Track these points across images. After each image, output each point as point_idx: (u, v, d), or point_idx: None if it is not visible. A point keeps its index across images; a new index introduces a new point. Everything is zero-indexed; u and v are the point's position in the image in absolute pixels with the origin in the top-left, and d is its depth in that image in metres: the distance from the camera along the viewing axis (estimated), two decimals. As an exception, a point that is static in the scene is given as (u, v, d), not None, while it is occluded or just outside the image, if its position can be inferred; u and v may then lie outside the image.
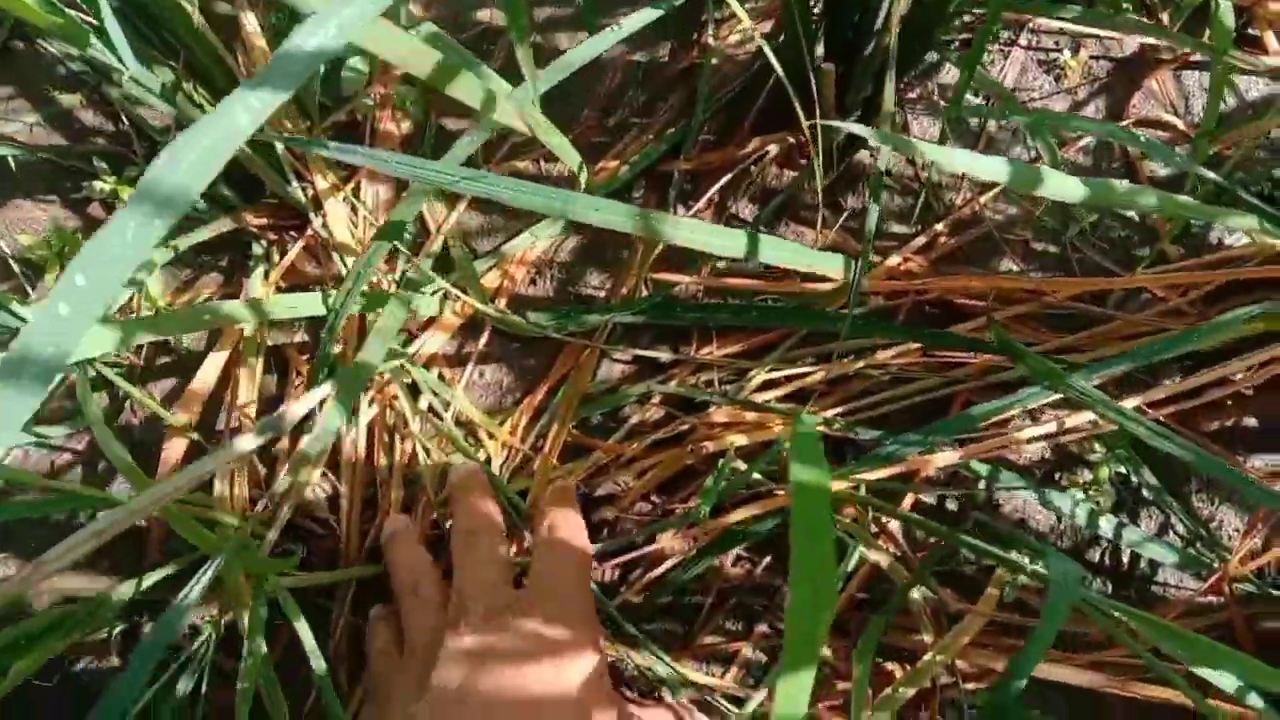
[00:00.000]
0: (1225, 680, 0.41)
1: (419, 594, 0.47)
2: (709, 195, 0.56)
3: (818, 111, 0.42)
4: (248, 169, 0.53)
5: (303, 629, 0.46)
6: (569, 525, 0.48)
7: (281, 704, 0.46)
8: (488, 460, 0.53)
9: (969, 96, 0.57)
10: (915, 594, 0.49)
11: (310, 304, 0.44)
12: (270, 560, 0.46)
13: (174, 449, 0.51)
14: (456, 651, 0.42)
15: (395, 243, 0.56)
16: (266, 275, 0.55)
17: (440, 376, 0.55)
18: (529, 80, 0.34)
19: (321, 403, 0.46)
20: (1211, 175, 0.43)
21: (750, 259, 0.41)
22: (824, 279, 0.53)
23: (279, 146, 0.51)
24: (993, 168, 0.38)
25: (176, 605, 0.45)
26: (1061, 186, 0.39)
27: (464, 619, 0.43)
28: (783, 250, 0.43)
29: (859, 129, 0.37)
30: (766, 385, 0.54)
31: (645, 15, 0.37)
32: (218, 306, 0.40)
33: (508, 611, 0.43)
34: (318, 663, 0.46)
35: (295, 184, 0.53)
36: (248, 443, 0.39)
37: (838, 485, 0.49)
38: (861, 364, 0.52)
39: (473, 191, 0.36)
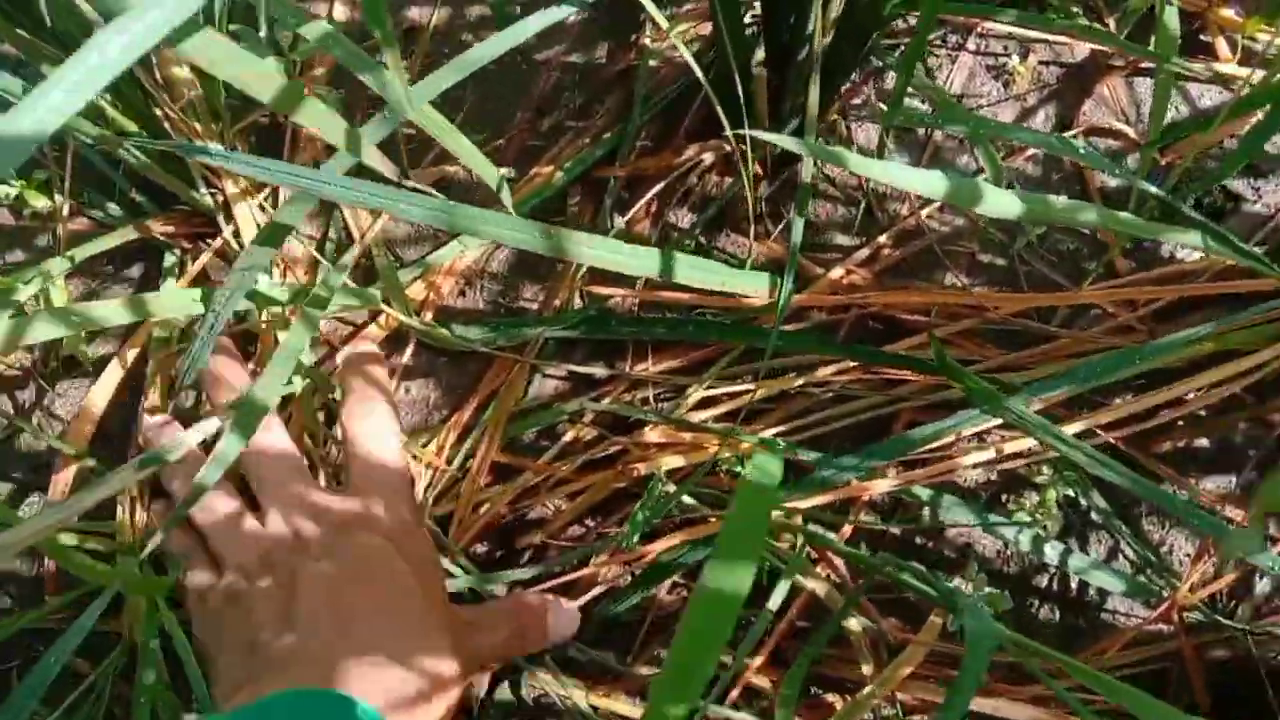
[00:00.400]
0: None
1: (227, 512, 0.45)
2: (645, 203, 0.53)
3: (745, 120, 0.40)
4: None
5: (190, 661, 0.44)
6: (375, 412, 0.48)
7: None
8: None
9: (917, 104, 0.55)
10: (854, 624, 0.47)
11: (186, 305, 0.41)
12: (152, 580, 0.43)
13: (64, 475, 0.48)
14: (316, 576, 0.41)
15: (316, 253, 0.53)
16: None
17: (362, 393, 0.52)
18: (394, 77, 0.31)
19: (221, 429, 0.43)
20: (1154, 190, 0.41)
21: (664, 277, 0.39)
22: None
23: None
24: (924, 181, 0.36)
25: (67, 634, 0.42)
26: (999, 202, 0.37)
27: (311, 543, 0.43)
28: (700, 270, 0.40)
29: (781, 139, 0.34)
30: (704, 403, 0.51)
31: (552, 14, 0.34)
32: (87, 309, 0.37)
33: (348, 528, 0.44)
34: (201, 691, 0.44)
35: (205, 190, 0.50)
36: (127, 477, 0.36)
37: (775, 512, 0.47)
38: (801, 381, 0.50)
39: (354, 202, 0.33)
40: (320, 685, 0.37)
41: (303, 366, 0.47)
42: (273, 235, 0.36)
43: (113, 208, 0.54)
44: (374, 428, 0.48)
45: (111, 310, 0.38)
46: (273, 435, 0.47)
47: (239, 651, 0.41)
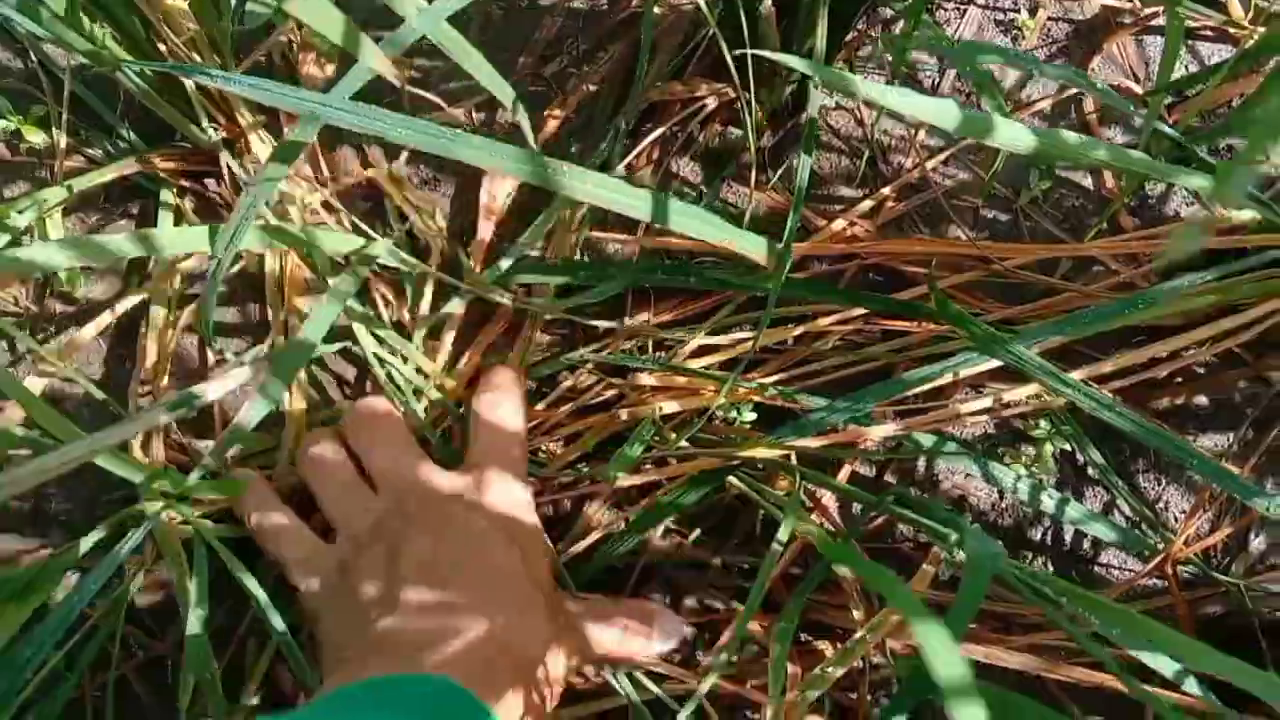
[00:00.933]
0: (1162, 663, 0.40)
1: (342, 480, 0.46)
2: (646, 148, 0.53)
3: (750, 58, 0.40)
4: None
5: (251, 584, 0.44)
6: (506, 400, 0.48)
7: (218, 689, 0.43)
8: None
9: (925, 57, 0.55)
10: (846, 570, 0.47)
11: (195, 240, 0.40)
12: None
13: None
14: (422, 555, 0.41)
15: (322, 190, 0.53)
16: (177, 224, 0.52)
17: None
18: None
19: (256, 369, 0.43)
20: (1169, 130, 0.41)
21: (657, 223, 0.38)
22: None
23: (188, 84, 0.48)
24: (936, 110, 0.36)
25: (99, 568, 0.41)
26: (1010, 134, 0.37)
27: (417, 518, 0.43)
28: (695, 219, 0.39)
29: (789, 59, 0.34)
30: (703, 350, 0.51)
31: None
32: (91, 241, 0.37)
33: (456, 506, 0.44)
34: (276, 621, 0.44)
35: (206, 125, 0.50)
36: (158, 417, 0.36)
37: (770, 454, 0.47)
38: (799, 330, 0.50)
39: (354, 126, 0.33)
40: (416, 670, 0.36)
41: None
42: (288, 151, 0.36)
43: (111, 145, 0.54)
44: (499, 411, 0.48)
45: (118, 243, 0.38)
46: (377, 401, 0.48)
47: (346, 627, 0.41)
